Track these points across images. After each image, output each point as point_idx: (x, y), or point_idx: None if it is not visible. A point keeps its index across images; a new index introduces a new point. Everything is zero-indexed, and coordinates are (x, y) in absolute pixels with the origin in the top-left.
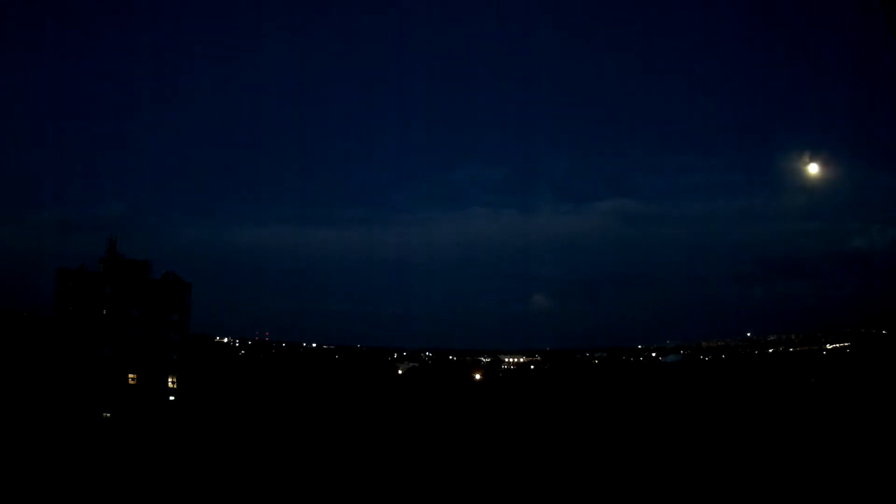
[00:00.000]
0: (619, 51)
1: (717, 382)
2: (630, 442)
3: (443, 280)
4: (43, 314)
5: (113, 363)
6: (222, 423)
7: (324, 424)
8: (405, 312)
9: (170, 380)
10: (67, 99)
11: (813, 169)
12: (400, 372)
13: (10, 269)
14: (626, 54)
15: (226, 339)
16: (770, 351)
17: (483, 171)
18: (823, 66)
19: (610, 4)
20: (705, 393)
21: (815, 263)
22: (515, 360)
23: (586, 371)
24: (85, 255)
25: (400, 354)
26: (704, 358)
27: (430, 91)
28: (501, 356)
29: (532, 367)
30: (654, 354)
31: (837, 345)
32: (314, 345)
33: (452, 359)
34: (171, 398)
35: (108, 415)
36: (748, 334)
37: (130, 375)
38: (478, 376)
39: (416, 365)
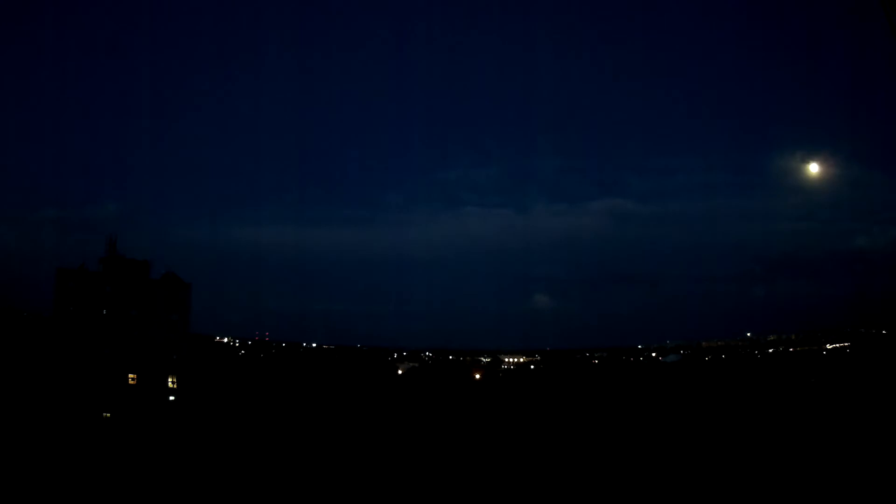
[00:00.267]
0: (615, 50)
1: (717, 382)
2: (630, 442)
3: (443, 280)
4: (43, 314)
5: (113, 363)
6: (222, 424)
7: (324, 424)
8: (405, 312)
9: (170, 380)
10: (67, 99)
11: (813, 168)
12: (400, 372)
13: (10, 268)
14: (622, 53)
15: (226, 339)
16: (770, 351)
17: (478, 170)
18: (822, 64)
19: (604, 3)
20: (705, 393)
21: (814, 263)
22: (515, 359)
23: (586, 371)
24: (85, 255)
25: (400, 354)
26: (705, 358)
27: (426, 92)
28: (501, 356)
29: (532, 367)
30: (653, 354)
31: (837, 345)
32: (314, 345)
33: (452, 359)
34: (171, 398)
35: (108, 415)
36: (748, 334)
37: (130, 375)
38: (478, 376)
39: (416, 365)
